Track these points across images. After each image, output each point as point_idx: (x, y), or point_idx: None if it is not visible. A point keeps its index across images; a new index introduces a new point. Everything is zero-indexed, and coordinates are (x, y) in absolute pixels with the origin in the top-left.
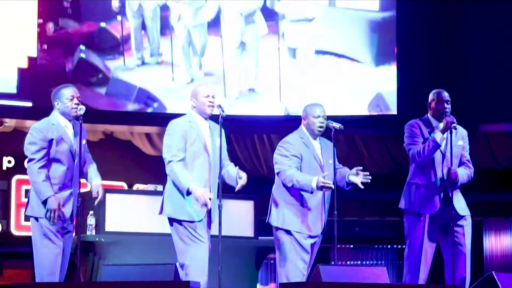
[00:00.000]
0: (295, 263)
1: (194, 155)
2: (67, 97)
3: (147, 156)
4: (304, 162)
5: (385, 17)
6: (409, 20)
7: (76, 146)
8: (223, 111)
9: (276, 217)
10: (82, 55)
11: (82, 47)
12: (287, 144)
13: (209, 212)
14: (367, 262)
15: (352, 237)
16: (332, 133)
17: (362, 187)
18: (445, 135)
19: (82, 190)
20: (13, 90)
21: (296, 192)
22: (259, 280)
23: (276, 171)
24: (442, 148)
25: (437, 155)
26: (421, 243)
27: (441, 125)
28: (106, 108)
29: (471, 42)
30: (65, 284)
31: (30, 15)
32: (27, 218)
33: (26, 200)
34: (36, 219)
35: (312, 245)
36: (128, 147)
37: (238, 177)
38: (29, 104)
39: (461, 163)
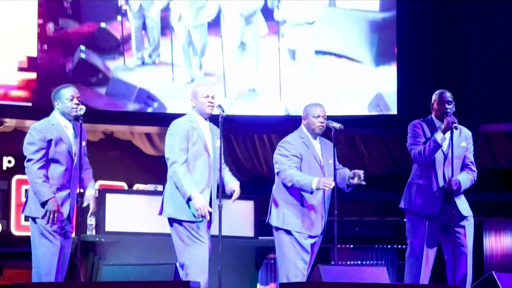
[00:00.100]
0: (295, 263)
1: (195, 155)
2: (67, 97)
3: (147, 156)
4: (304, 162)
5: (385, 17)
6: (409, 20)
7: (75, 147)
8: (223, 111)
9: (276, 217)
10: (82, 55)
11: (82, 47)
12: (287, 144)
13: (209, 212)
14: (367, 262)
15: (352, 237)
16: (332, 133)
17: (364, 183)
18: (446, 135)
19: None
20: (13, 90)
21: (296, 192)
22: (259, 280)
23: (276, 170)
24: (444, 148)
25: (438, 156)
26: (422, 243)
27: (442, 125)
28: (106, 108)
29: (471, 42)
30: (65, 284)
31: (30, 15)
32: (27, 218)
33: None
34: (34, 219)
35: (312, 245)
36: (128, 147)
37: (232, 190)
38: (29, 104)
39: (463, 165)
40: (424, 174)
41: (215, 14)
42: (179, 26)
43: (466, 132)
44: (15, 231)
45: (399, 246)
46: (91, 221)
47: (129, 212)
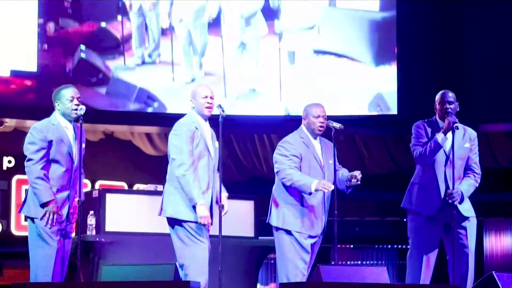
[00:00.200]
0: (295, 263)
1: (199, 155)
2: (67, 98)
3: (147, 156)
4: (304, 162)
5: (385, 17)
6: (409, 20)
7: (75, 149)
8: (223, 111)
9: (276, 217)
10: (83, 55)
11: (83, 47)
12: (287, 144)
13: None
14: (367, 262)
15: (352, 237)
16: (332, 133)
17: (359, 183)
18: (448, 135)
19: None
20: (13, 89)
21: (296, 192)
22: (259, 280)
23: (275, 170)
24: (446, 149)
25: (440, 156)
26: (423, 243)
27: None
28: (107, 108)
29: (471, 42)
30: (65, 284)
31: (30, 15)
32: (27, 218)
33: None
34: (32, 219)
35: (312, 245)
36: (128, 147)
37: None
38: (29, 104)
39: (467, 167)
40: (426, 174)
41: (215, 14)
42: (180, 26)
43: (471, 133)
44: (15, 231)
45: (399, 246)
46: (91, 221)
47: (129, 212)
